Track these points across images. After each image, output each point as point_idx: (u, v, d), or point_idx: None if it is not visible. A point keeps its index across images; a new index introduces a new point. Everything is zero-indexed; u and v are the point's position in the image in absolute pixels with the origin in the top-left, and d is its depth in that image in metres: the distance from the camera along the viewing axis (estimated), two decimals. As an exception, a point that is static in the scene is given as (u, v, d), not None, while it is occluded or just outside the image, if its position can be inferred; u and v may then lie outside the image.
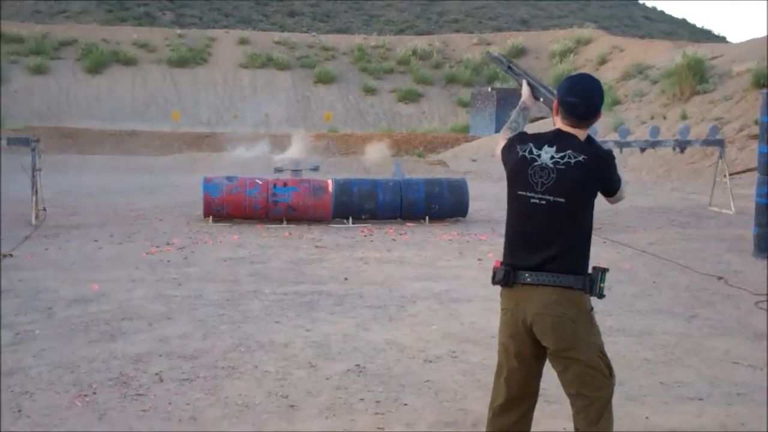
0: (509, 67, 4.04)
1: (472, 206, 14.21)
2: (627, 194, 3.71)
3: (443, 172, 22.50)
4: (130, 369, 5.72)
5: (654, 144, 15.81)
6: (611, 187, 3.53)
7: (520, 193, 3.50)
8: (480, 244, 11.50)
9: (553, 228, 3.40)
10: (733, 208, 14.72)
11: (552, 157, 3.44)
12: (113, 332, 6.66)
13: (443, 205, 13.66)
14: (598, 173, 3.43)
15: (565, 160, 3.41)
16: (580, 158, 3.40)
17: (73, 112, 37.40)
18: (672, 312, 7.65)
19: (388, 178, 14.80)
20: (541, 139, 3.53)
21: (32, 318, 7.03)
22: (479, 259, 10.20)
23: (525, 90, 3.83)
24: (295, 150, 25.45)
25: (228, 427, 4.72)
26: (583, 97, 3.45)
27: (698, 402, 5.27)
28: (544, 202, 3.42)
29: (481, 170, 23.90)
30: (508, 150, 3.61)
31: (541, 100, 3.81)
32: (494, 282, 3.54)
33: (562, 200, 3.39)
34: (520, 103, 3.89)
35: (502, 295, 3.57)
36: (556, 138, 3.50)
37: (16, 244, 10.65)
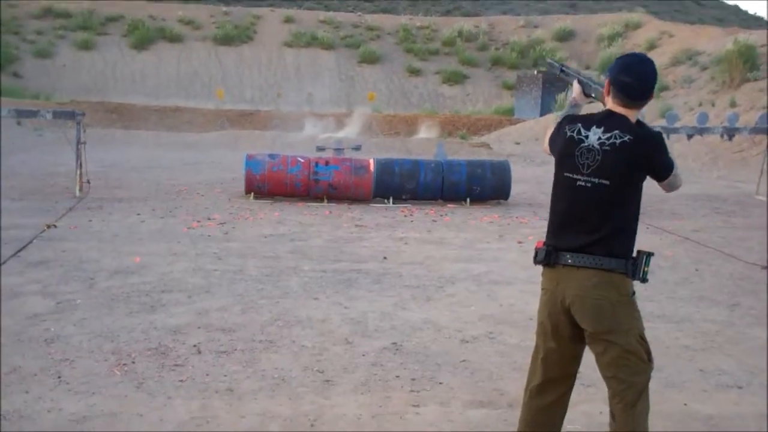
0: (561, 70, 4.01)
1: (515, 189, 14.11)
2: (683, 181, 3.57)
3: (486, 155, 22.36)
4: (168, 340, 5.79)
5: (701, 131, 15.53)
6: (661, 171, 3.41)
7: (566, 175, 3.44)
8: (521, 227, 11.42)
9: (597, 211, 3.34)
10: (779, 198, 14.46)
11: (599, 139, 3.36)
12: (153, 304, 6.74)
13: (485, 187, 13.58)
14: (644, 155, 3.34)
15: (611, 141, 3.33)
16: (626, 138, 3.32)
17: (119, 88, 37.86)
18: (714, 300, 7.53)
19: (430, 159, 14.75)
20: (590, 120, 3.46)
21: (74, 288, 7.14)
22: (519, 242, 10.13)
23: (576, 87, 3.77)
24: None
25: (264, 400, 4.75)
26: (637, 77, 3.37)
27: (737, 390, 5.19)
28: (589, 184, 3.36)
29: (525, 153, 23.73)
30: (556, 133, 3.56)
31: (593, 95, 3.75)
32: (536, 261, 3.50)
33: (607, 182, 3.32)
34: (570, 99, 3.83)
35: (543, 275, 3.53)
36: (605, 119, 3.42)
37: (60, 215, 10.81)
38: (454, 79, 41.86)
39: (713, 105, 23.95)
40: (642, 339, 3.38)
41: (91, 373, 5.05)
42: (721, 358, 5.84)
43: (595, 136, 3.38)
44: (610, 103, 3.45)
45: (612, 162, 3.31)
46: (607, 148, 3.33)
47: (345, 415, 4.57)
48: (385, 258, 8.99)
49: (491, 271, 8.45)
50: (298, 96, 38.19)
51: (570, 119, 3.53)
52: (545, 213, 3.65)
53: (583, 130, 3.43)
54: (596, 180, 3.34)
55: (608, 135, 3.35)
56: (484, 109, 37.74)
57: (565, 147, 3.48)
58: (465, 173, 13.52)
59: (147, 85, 38.85)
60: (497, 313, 6.86)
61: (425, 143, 24.10)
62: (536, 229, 10.79)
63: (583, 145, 3.39)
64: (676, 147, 21.29)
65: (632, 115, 3.41)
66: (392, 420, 4.53)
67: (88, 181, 13.19)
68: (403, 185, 13.36)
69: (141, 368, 5.19)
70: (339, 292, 7.37)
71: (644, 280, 3.37)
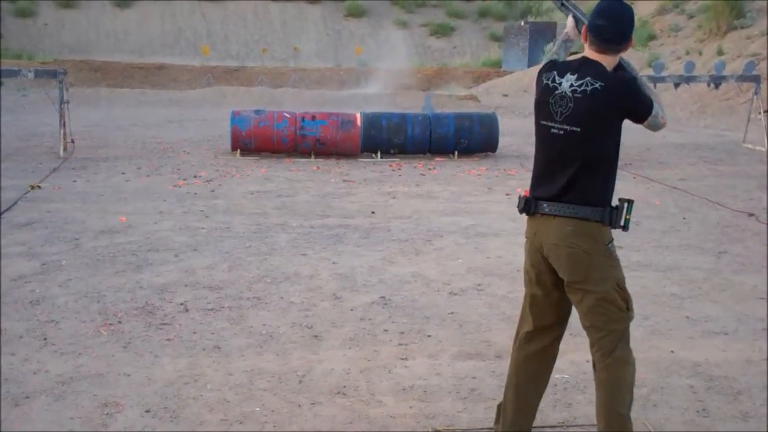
0: (562, 4, 3.92)
1: (502, 141, 14.05)
2: (666, 119, 3.47)
3: (474, 107, 22.23)
4: (155, 299, 5.77)
5: (688, 79, 15.46)
6: (637, 114, 3.35)
7: (542, 123, 3.43)
8: (509, 179, 11.40)
9: (570, 158, 3.31)
10: (766, 146, 14.44)
11: (571, 86, 3.32)
12: (139, 263, 6.71)
13: (473, 139, 13.51)
14: (615, 101, 3.27)
15: (582, 88, 3.29)
16: (597, 85, 3.27)
17: (102, 46, 37.37)
18: (701, 248, 7.55)
19: (417, 113, 14.64)
20: (565, 68, 3.41)
21: (59, 248, 7.09)
22: (507, 194, 10.11)
23: (570, 22, 3.70)
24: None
25: (252, 357, 4.75)
26: (610, 20, 3.31)
27: (724, 336, 5.22)
28: (562, 132, 3.33)
29: (513, 105, 23.60)
30: (537, 81, 3.52)
31: None
32: (518, 210, 3.50)
33: (578, 130, 3.29)
34: (562, 34, 3.76)
35: (526, 224, 3.52)
36: (580, 66, 3.37)
37: (44, 176, 10.72)
38: (441, 31, 41.43)
39: (700, 54, 23.82)
40: (620, 287, 3.35)
41: (78, 334, 5.03)
42: (708, 305, 5.87)
43: (567, 83, 3.34)
44: (587, 50, 3.41)
45: (583, 109, 3.27)
46: (578, 95, 3.29)
47: (333, 370, 4.57)
48: (373, 213, 8.96)
49: (479, 224, 8.44)
50: (284, 50, 37.79)
51: (548, 67, 3.49)
52: (532, 164, 3.62)
53: (557, 78, 3.39)
54: (568, 127, 3.31)
55: (580, 82, 3.30)
56: (471, 61, 37.44)
57: (541, 95, 3.45)
58: (452, 126, 13.44)
59: (131, 42, 38.33)
60: (485, 265, 6.86)
61: (413, 96, 23.93)
62: (524, 181, 10.72)
63: (556, 92, 3.36)
64: (663, 96, 21.20)
65: (609, 61, 3.35)
66: (381, 373, 4.54)
67: (73, 141, 13.05)
68: (390, 139, 13.27)
69: (128, 328, 5.17)
70: (327, 248, 7.35)
71: (626, 228, 3.35)
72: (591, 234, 3.30)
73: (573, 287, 3.35)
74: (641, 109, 3.34)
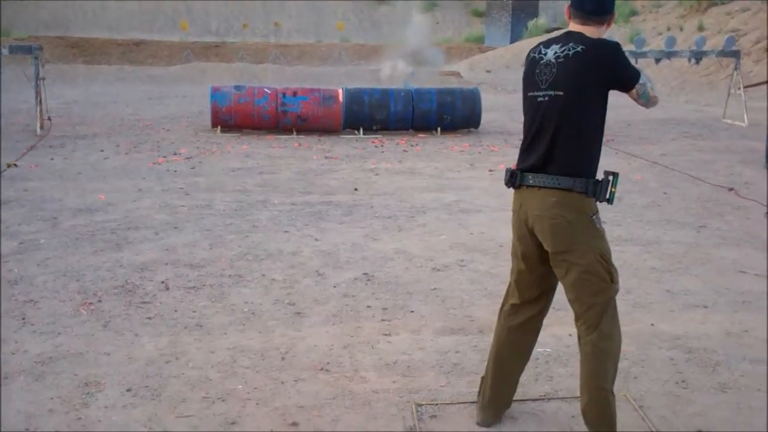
0: None
1: (485, 117, 14.02)
2: (657, 93, 3.42)
3: (457, 83, 22.18)
4: (135, 277, 5.73)
5: (669, 55, 15.48)
6: (622, 79, 3.30)
7: (529, 94, 3.43)
8: (492, 155, 11.38)
9: (553, 126, 3.28)
10: (746, 121, 14.52)
11: (555, 53, 3.33)
12: (119, 241, 6.65)
13: (455, 115, 13.48)
14: (598, 62, 3.25)
15: (565, 53, 3.29)
16: (579, 48, 3.26)
17: (79, 22, 36.94)
18: (681, 222, 7.58)
19: (399, 88, 14.58)
20: (550, 40, 3.45)
21: (37, 227, 7.02)
22: (490, 171, 10.10)
23: None
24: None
25: (234, 334, 4.72)
26: None
27: (703, 309, 5.25)
28: (546, 98, 3.32)
29: (496, 81, 23.58)
30: (525, 61, 3.54)
31: None
32: (505, 183, 3.49)
33: (561, 93, 3.27)
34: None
35: (513, 197, 3.52)
36: (563, 37, 3.38)
37: (20, 154, 10.60)
38: (423, 7, 41.28)
39: (681, 29, 23.86)
40: (603, 259, 3.33)
41: (57, 314, 4.99)
42: (688, 278, 5.89)
43: (552, 51, 3.35)
44: (571, 25, 3.42)
45: (565, 72, 3.26)
46: (561, 59, 3.29)
47: (316, 347, 4.56)
48: (356, 189, 8.93)
49: (462, 200, 8.43)
50: (265, 27, 37.51)
51: (534, 47, 3.51)
52: (516, 141, 3.63)
53: (543, 49, 3.41)
54: (552, 92, 3.30)
55: (563, 48, 3.31)
56: (454, 37, 37.33)
57: (528, 68, 3.47)
58: (435, 102, 13.40)
59: (108, 18, 37.94)
60: (468, 241, 6.86)
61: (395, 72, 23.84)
62: (507, 157, 10.75)
63: (542, 61, 3.37)
64: (644, 72, 21.27)
65: (593, 33, 3.34)
66: (364, 349, 4.53)
67: (50, 119, 12.92)
68: (373, 115, 13.22)
69: (107, 307, 5.13)
70: (309, 225, 7.32)
71: (611, 201, 3.33)
72: (574, 205, 3.29)
73: (557, 259, 3.34)
74: (626, 74, 3.29)
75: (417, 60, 23.44)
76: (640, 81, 3.30)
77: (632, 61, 15.89)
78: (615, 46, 3.31)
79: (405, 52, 24.44)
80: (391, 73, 22.31)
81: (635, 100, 3.39)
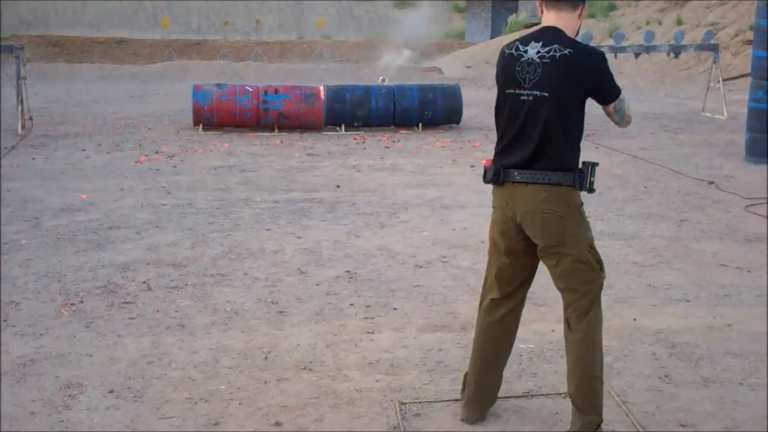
0: None
1: (466, 113, 14.04)
2: (632, 113, 3.53)
3: (438, 79, 22.18)
4: (117, 277, 5.70)
5: (648, 49, 15.55)
6: (604, 91, 3.39)
7: (509, 92, 3.43)
8: (473, 150, 11.41)
9: (540, 125, 3.33)
10: (725, 114, 14.61)
11: (538, 52, 3.34)
12: (101, 241, 6.62)
13: (436, 111, 13.49)
14: (585, 71, 3.31)
15: (551, 53, 3.31)
16: (566, 52, 3.29)
17: (60, 21, 36.68)
18: (662, 216, 7.62)
19: (380, 85, 14.56)
20: (527, 37, 3.46)
21: (18, 228, 6.97)
22: (472, 166, 10.12)
23: None
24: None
25: (216, 334, 4.71)
26: None
27: (685, 303, 5.28)
28: (531, 98, 3.34)
29: (476, 77, 23.61)
30: (498, 58, 3.55)
31: None
32: (485, 180, 3.50)
33: (547, 95, 3.31)
34: None
35: (493, 194, 3.54)
36: (542, 33, 3.40)
37: (2, 154, 10.52)
38: (404, 3, 41.24)
39: (660, 23, 23.97)
40: (592, 248, 3.43)
41: (38, 315, 4.96)
42: (670, 272, 5.93)
43: (533, 50, 3.36)
44: (545, 19, 3.44)
45: (552, 74, 3.29)
46: (546, 60, 3.31)
47: (299, 346, 4.55)
48: (338, 186, 8.92)
49: (444, 196, 8.44)
50: (247, 24, 37.35)
51: (507, 44, 3.52)
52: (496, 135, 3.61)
53: (521, 46, 3.41)
54: (537, 93, 3.32)
55: (547, 48, 3.32)
56: (435, 32, 37.31)
57: (505, 65, 3.46)
58: (416, 98, 13.40)
59: (89, 16, 37.69)
60: (450, 237, 6.87)
61: (376, 69, 23.83)
62: (488, 153, 10.69)
63: (522, 59, 3.37)
64: (624, 67, 21.38)
65: (568, 27, 3.36)
66: (347, 348, 4.53)
67: (31, 118, 12.82)
68: (354, 112, 13.19)
69: (89, 307, 5.11)
70: (292, 222, 7.31)
71: (591, 190, 3.40)
72: (564, 198, 3.35)
73: (548, 252, 3.40)
74: (609, 88, 3.40)
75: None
76: (620, 97, 3.39)
77: (612, 56, 15.96)
78: (602, 57, 3.38)
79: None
80: (392, 62, 22.46)
81: (610, 114, 3.48)
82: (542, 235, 3.38)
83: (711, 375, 4.20)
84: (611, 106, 3.43)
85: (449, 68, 26.36)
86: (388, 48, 26.05)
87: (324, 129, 13.20)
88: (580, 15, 3.42)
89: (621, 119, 3.49)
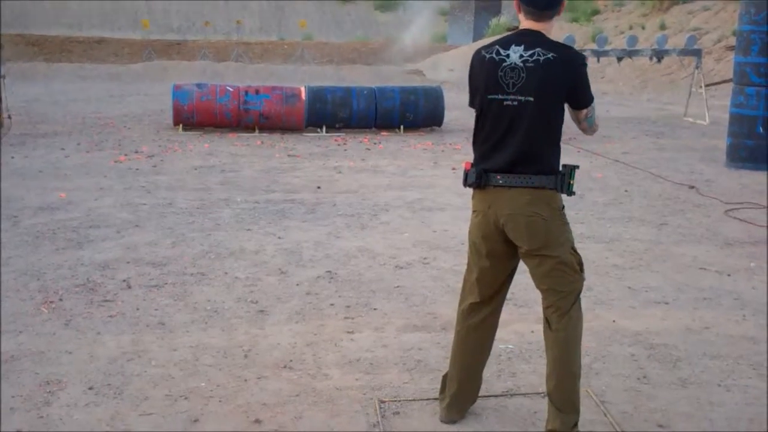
0: None
1: (448, 116, 14.06)
2: (598, 125, 3.59)
3: (420, 82, 22.22)
4: (97, 276, 5.67)
5: (631, 53, 15.66)
6: (579, 97, 3.40)
7: (490, 97, 3.40)
8: (454, 153, 11.44)
9: (524, 129, 3.34)
10: (707, 119, 14.73)
11: (521, 56, 3.33)
12: (80, 240, 6.58)
13: (418, 113, 13.50)
14: (567, 73, 3.32)
15: (534, 58, 3.30)
16: (549, 56, 3.29)
17: (39, 20, 36.41)
18: (643, 220, 7.67)
19: (362, 86, 14.56)
20: (506, 41, 3.42)
21: (-3, 225, 6.93)
22: (453, 169, 10.14)
23: None
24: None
25: (196, 332, 4.70)
26: None
27: (664, 306, 5.32)
28: (515, 102, 3.34)
29: (458, 80, 23.64)
30: (474, 60, 3.49)
31: None
32: (466, 184, 3.50)
33: (531, 99, 3.31)
34: None
35: (474, 197, 3.53)
36: (522, 37, 3.38)
37: (-19, 152, 10.44)
38: (386, 5, 41.30)
39: (643, 28, 24.13)
40: (574, 250, 3.47)
41: (18, 312, 4.93)
42: (649, 275, 5.97)
43: (516, 54, 3.34)
44: (524, 22, 3.44)
45: (537, 79, 3.29)
46: (531, 65, 3.30)
47: (279, 345, 4.55)
48: (318, 187, 8.92)
49: (425, 198, 8.46)
50: (227, 24, 37.26)
51: (485, 46, 3.49)
52: (474, 139, 3.62)
53: (502, 50, 3.38)
54: (522, 98, 3.32)
55: (530, 52, 3.31)
56: (417, 35, 37.37)
57: (486, 70, 3.41)
58: (398, 100, 13.40)
59: (69, 15, 37.46)
60: (431, 238, 6.89)
61: (358, 70, 23.85)
62: (470, 156, 10.62)
63: (505, 64, 3.36)
64: (607, 71, 21.52)
65: (547, 29, 3.38)
66: (327, 347, 4.53)
67: (10, 117, 12.70)
68: (336, 113, 13.18)
69: (69, 305, 5.08)
70: (272, 223, 7.30)
71: (570, 192, 3.41)
72: (546, 201, 3.37)
73: (532, 254, 3.41)
74: (585, 94, 3.43)
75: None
76: (592, 105, 3.44)
77: (594, 59, 16.02)
78: (583, 62, 3.41)
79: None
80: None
81: (579, 121, 3.50)
82: (527, 238, 3.39)
83: (689, 376, 4.23)
84: (583, 113, 3.46)
85: (431, 71, 26.40)
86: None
87: (305, 130, 13.19)
88: (558, 14, 3.44)
89: (589, 126, 3.53)
